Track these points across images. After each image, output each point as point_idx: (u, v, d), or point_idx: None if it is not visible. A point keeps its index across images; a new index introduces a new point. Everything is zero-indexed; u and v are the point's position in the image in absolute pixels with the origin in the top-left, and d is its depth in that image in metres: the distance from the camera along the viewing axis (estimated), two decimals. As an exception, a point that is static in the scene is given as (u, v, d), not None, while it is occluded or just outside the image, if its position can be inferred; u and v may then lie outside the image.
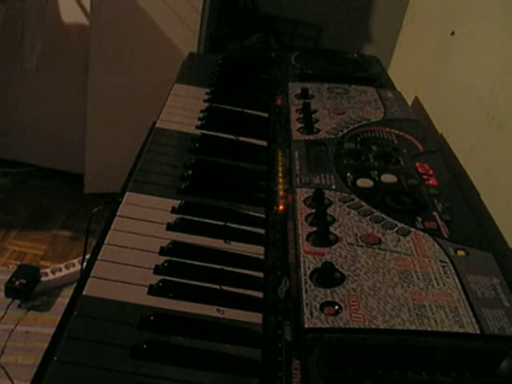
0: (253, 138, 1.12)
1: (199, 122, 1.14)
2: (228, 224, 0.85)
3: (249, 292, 0.74)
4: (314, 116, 1.10)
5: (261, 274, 0.77)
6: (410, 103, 1.32)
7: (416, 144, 1.02)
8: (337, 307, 0.63)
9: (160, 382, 0.59)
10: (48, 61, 2.16)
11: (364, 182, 0.88)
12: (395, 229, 0.77)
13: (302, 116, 1.10)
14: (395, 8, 2.04)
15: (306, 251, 0.73)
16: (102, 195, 2.14)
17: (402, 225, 0.78)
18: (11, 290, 1.73)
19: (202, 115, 1.17)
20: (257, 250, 0.82)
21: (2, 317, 1.68)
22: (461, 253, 0.74)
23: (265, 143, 1.12)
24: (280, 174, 0.96)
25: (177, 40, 1.99)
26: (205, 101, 1.24)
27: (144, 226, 0.82)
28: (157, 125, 1.11)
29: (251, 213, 0.89)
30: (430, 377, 0.58)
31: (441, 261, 0.72)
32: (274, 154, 1.04)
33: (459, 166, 1.20)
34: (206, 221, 0.85)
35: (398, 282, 0.68)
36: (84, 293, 0.69)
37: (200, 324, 0.68)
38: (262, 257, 0.80)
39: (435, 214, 0.82)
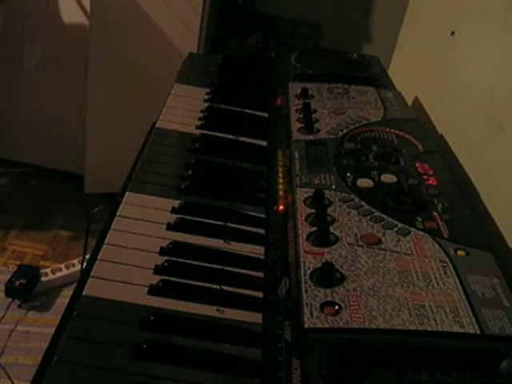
0: (253, 138, 1.12)
1: (199, 122, 1.14)
2: (228, 224, 0.85)
3: (249, 292, 0.74)
4: (314, 116, 1.10)
5: (261, 274, 0.77)
6: (410, 103, 1.32)
7: (416, 144, 1.02)
8: (337, 307, 0.63)
9: (160, 382, 0.59)
10: (48, 61, 2.16)
11: (364, 182, 0.88)
12: (395, 229, 0.77)
13: (302, 116, 1.10)
14: (395, 8, 2.03)
15: (306, 251, 0.73)
16: (102, 195, 2.14)
17: (402, 225, 0.78)
18: (11, 290, 1.73)
19: (201, 115, 1.17)
20: (257, 250, 0.82)
21: (2, 317, 1.68)
22: (461, 253, 0.74)
23: (265, 143, 1.12)
24: (280, 174, 0.96)
25: (177, 40, 1.99)
26: (205, 101, 1.24)
27: (144, 225, 0.82)
28: (157, 125, 1.11)
29: (251, 213, 0.89)
30: (430, 377, 0.58)
31: (441, 261, 0.72)
32: (274, 154, 1.04)
33: (459, 166, 1.20)
34: (206, 221, 0.85)
35: (397, 282, 0.68)
36: (84, 293, 0.69)
37: (200, 324, 0.68)
38: (262, 257, 0.80)
39: (435, 213, 0.82)
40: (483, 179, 1.11)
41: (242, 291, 0.74)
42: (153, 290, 0.71)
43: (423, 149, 1.01)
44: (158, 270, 0.74)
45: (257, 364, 0.63)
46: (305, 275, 0.68)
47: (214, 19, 2.16)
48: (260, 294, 0.74)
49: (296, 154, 0.97)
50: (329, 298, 0.65)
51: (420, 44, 1.77)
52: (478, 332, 0.61)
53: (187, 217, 0.85)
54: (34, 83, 2.21)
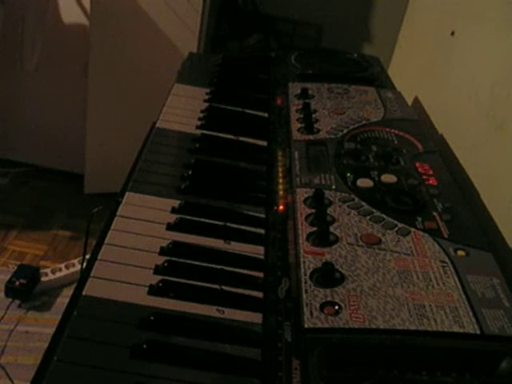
0: (253, 138, 1.12)
1: (199, 122, 1.14)
2: (228, 224, 0.85)
3: (249, 292, 0.74)
4: (314, 116, 1.10)
5: (261, 274, 0.77)
6: (410, 103, 1.32)
7: (416, 144, 1.02)
8: (337, 307, 0.63)
9: (160, 382, 0.59)
10: (48, 61, 2.16)
11: (364, 182, 0.88)
12: (395, 229, 0.77)
13: (302, 116, 1.10)
14: (395, 8, 2.04)
15: (305, 251, 0.73)
16: (101, 195, 2.14)
17: (402, 225, 0.78)
18: (11, 290, 1.73)
19: (202, 115, 1.17)
20: (257, 250, 0.81)
21: (2, 317, 1.68)
22: (461, 253, 0.74)
23: (265, 143, 1.12)
24: (280, 174, 0.96)
25: (177, 40, 1.99)
26: (205, 101, 1.24)
27: (144, 225, 0.82)
28: (157, 125, 1.11)
29: (251, 213, 0.89)
30: (430, 377, 0.58)
31: (441, 261, 0.72)
32: (274, 154, 1.04)
33: (459, 165, 1.20)
34: (206, 221, 0.85)
35: (397, 282, 0.68)
36: (84, 293, 0.69)
37: (200, 324, 0.68)
38: (262, 257, 0.80)
39: (435, 213, 0.82)
40: (483, 179, 1.11)
41: (241, 291, 0.74)
42: (153, 290, 0.71)
43: (423, 149, 1.01)
44: (157, 270, 0.74)
45: (257, 364, 0.63)
46: (305, 275, 0.69)
47: (214, 19, 2.16)
48: (260, 294, 0.73)
49: (296, 154, 0.97)
50: (329, 298, 0.65)
51: (420, 44, 1.77)
52: (478, 332, 0.61)
53: (187, 217, 0.85)
54: (34, 83, 2.21)
